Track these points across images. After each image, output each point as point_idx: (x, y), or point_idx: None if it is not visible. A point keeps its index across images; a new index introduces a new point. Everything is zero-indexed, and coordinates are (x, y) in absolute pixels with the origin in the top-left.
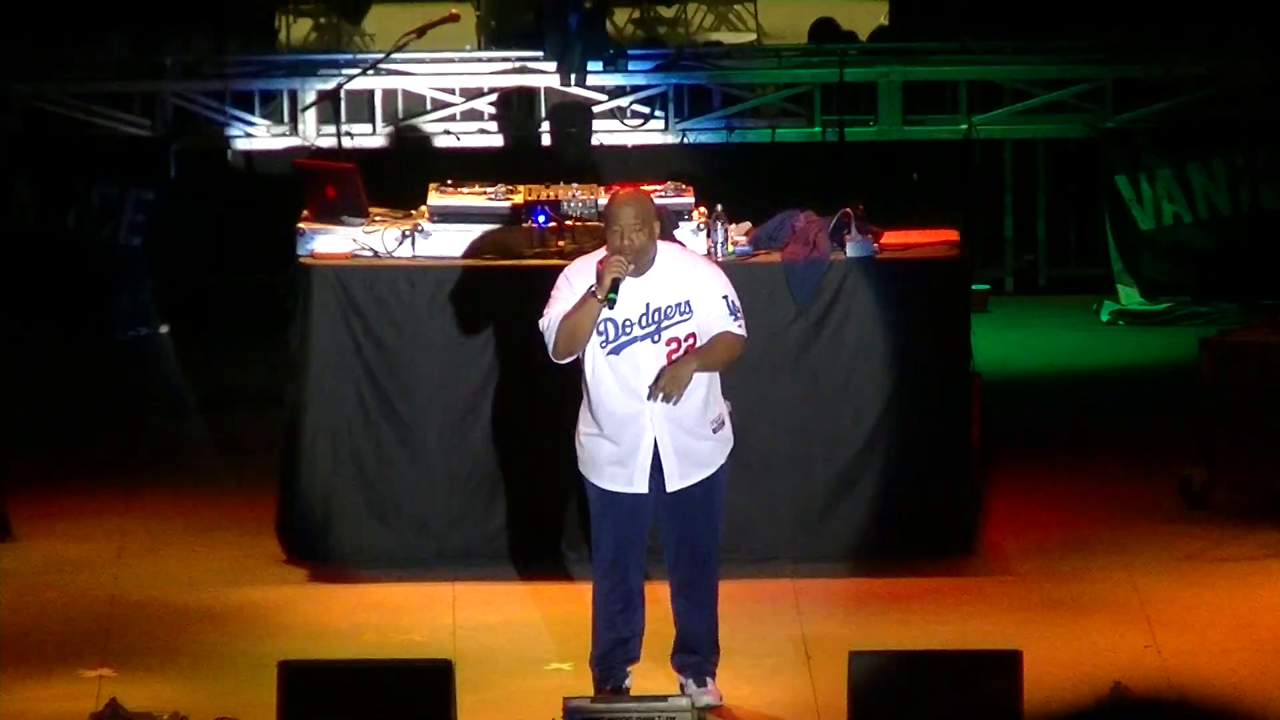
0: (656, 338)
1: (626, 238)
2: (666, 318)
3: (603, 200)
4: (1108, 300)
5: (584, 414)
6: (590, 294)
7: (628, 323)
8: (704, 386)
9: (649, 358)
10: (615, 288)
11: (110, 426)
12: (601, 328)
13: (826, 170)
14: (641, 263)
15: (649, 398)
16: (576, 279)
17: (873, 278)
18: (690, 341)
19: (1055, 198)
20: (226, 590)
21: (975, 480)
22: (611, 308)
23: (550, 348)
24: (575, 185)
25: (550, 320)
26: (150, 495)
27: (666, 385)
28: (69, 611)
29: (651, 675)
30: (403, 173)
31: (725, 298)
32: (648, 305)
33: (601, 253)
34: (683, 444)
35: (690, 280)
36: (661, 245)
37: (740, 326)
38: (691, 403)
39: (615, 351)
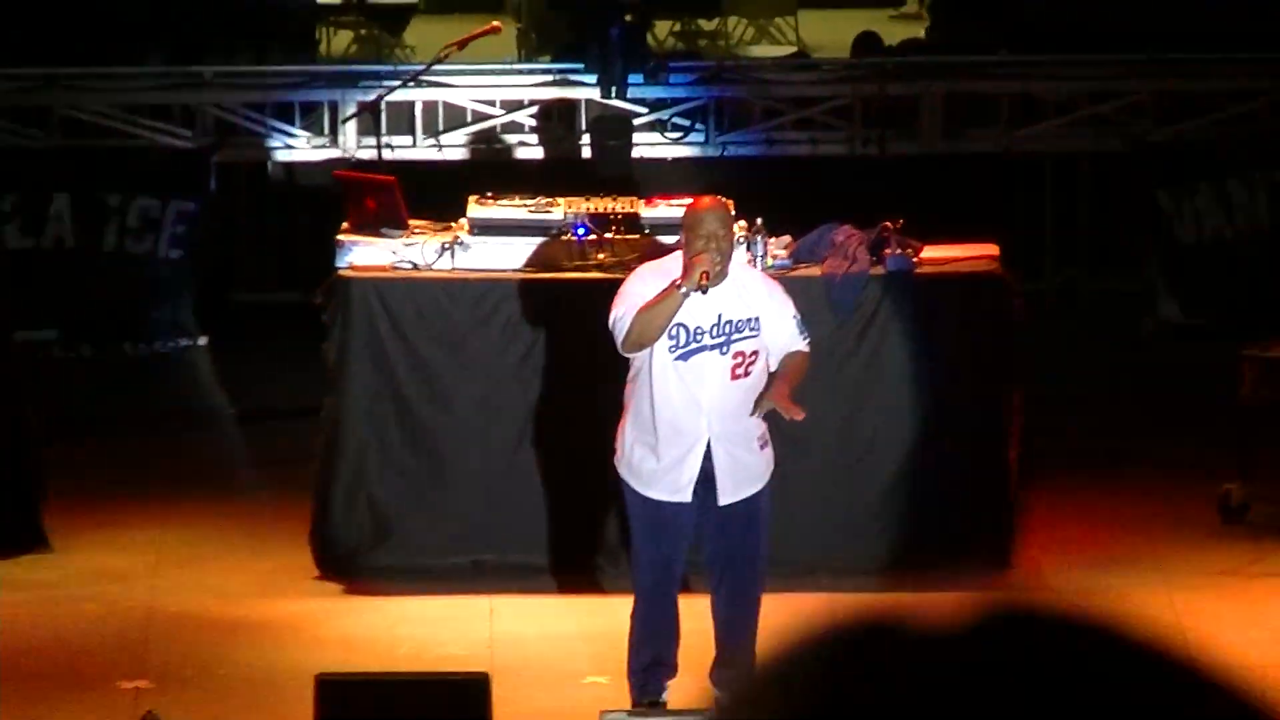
0: (725, 349)
1: (714, 243)
2: (737, 331)
3: (645, 213)
4: (1147, 315)
5: (633, 422)
6: (673, 286)
7: (699, 330)
8: (751, 403)
9: (714, 368)
10: (706, 278)
11: (147, 439)
12: (673, 332)
13: (867, 184)
14: (724, 269)
15: (752, 414)
16: (649, 278)
17: (912, 292)
18: (754, 358)
19: (1096, 211)
20: (263, 603)
21: (1014, 495)
22: (705, 294)
23: (622, 338)
24: (615, 198)
25: (625, 312)
26: (188, 507)
27: (796, 413)
28: (106, 623)
29: (688, 689)
30: (443, 185)
31: (795, 317)
32: (719, 316)
33: (671, 259)
34: (736, 457)
35: (761, 299)
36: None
37: (808, 344)
38: (745, 419)
39: (683, 358)
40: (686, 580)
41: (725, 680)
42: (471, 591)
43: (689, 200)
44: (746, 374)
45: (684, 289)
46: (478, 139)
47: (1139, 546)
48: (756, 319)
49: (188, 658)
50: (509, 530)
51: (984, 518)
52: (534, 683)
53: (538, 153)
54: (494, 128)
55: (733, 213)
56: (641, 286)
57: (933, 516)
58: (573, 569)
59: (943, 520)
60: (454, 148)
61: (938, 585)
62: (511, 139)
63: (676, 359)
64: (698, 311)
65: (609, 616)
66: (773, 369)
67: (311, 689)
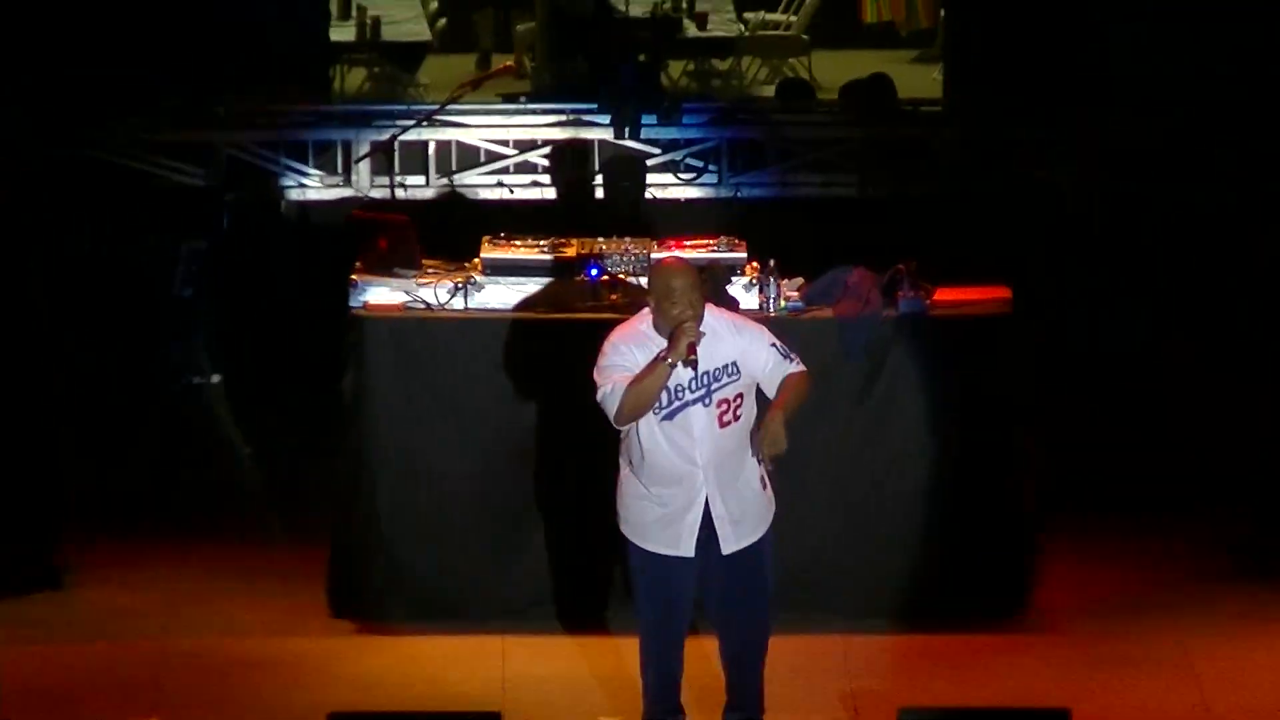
0: (708, 401)
1: (689, 307)
2: (716, 380)
3: (656, 255)
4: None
5: (629, 478)
6: (660, 359)
7: (679, 388)
8: (748, 446)
9: (700, 421)
10: (693, 350)
11: (161, 476)
12: None
13: (879, 226)
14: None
15: (761, 464)
16: (625, 346)
17: (925, 335)
18: (739, 401)
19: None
20: (276, 640)
21: (1027, 539)
22: (695, 369)
23: (614, 414)
24: (628, 239)
25: (613, 388)
26: (200, 545)
27: (772, 447)
28: (118, 661)
29: None
30: (456, 225)
31: (773, 345)
32: (696, 368)
33: (641, 317)
34: (735, 505)
35: (733, 341)
36: None
37: (797, 364)
38: (743, 461)
39: (669, 417)
40: (694, 623)
41: None
42: (484, 631)
43: (702, 243)
44: (736, 418)
45: (671, 361)
46: (490, 179)
47: (1151, 590)
48: (734, 364)
49: (200, 696)
50: (522, 569)
51: (997, 561)
52: None
53: (550, 193)
54: (507, 167)
55: (694, 267)
56: (620, 359)
57: (945, 559)
58: (584, 610)
59: (956, 563)
60: (467, 187)
61: (950, 628)
62: (524, 179)
63: (662, 420)
64: (676, 371)
65: (621, 657)
66: (771, 396)
67: None
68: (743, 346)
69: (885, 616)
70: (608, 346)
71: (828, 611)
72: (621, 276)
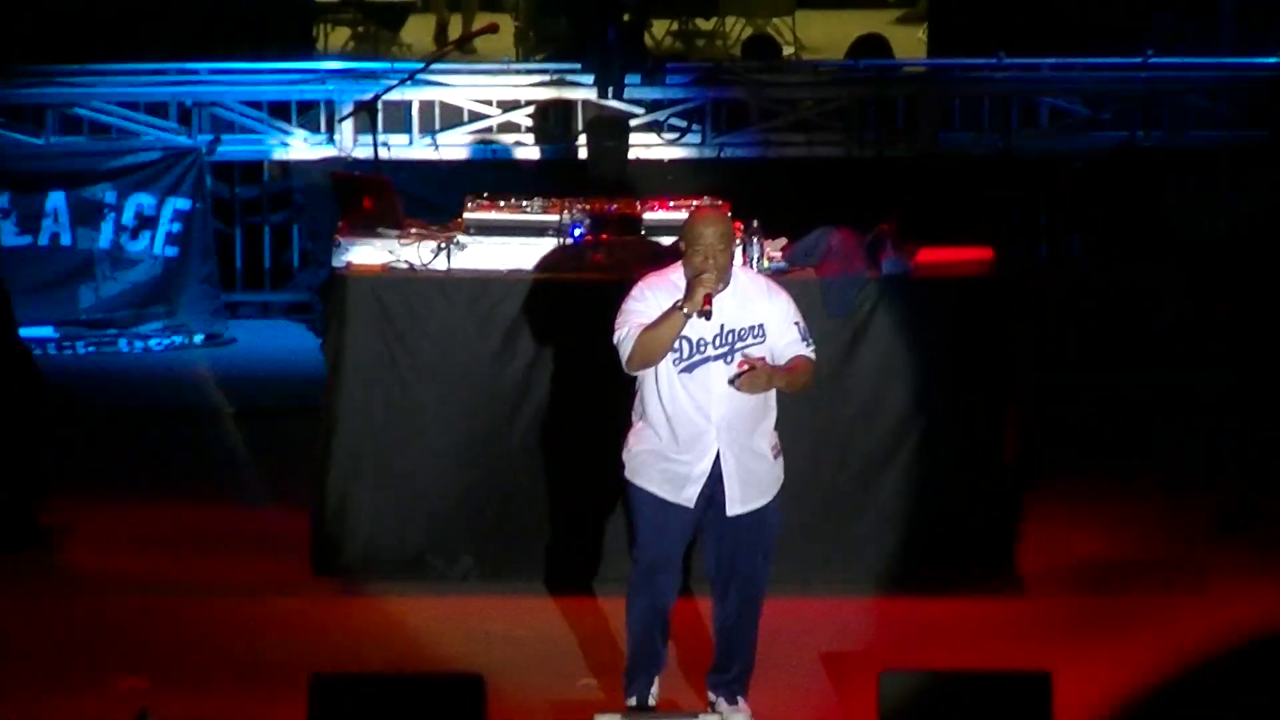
0: (730, 358)
1: (711, 257)
2: (740, 339)
3: (641, 215)
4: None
5: (642, 428)
6: (676, 308)
7: (702, 342)
8: (768, 412)
9: (720, 378)
10: (709, 301)
11: (145, 436)
12: (676, 345)
13: (863, 187)
14: (724, 281)
15: (729, 382)
16: (652, 292)
17: (908, 295)
18: (760, 364)
19: (1093, 212)
20: (258, 601)
21: (1011, 501)
22: (708, 320)
23: (626, 358)
24: (612, 199)
25: (628, 332)
26: (183, 505)
27: (750, 388)
28: (101, 621)
29: (683, 691)
30: (439, 184)
31: (797, 324)
32: (722, 326)
33: (674, 268)
34: (745, 466)
35: (763, 305)
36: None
37: (811, 350)
38: (757, 425)
39: (688, 370)
40: (687, 584)
41: (721, 685)
42: (466, 592)
43: (686, 204)
44: None
45: (686, 310)
46: (474, 138)
47: (1135, 553)
48: (760, 326)
49: (182, 655)
50: (504, 530)
51: (980, 523)
52: (528, 684)
53: (534, 152)
54: (490, 127)
55: (729, 219)
56: (642, 304)
57: (928, 522)
58: (568, 571)
59: (939, 525)
60: (450, 147)
61: (933, 592)
62: (508, 138)
63: (681, 371)
64: (700, 324)
65: (603, 619)
66: None
67: (306, 687)
68: (772, 314)
69: (867, 579)
70: (635, 291)
71: (810, 574)
72: (605, 237)
